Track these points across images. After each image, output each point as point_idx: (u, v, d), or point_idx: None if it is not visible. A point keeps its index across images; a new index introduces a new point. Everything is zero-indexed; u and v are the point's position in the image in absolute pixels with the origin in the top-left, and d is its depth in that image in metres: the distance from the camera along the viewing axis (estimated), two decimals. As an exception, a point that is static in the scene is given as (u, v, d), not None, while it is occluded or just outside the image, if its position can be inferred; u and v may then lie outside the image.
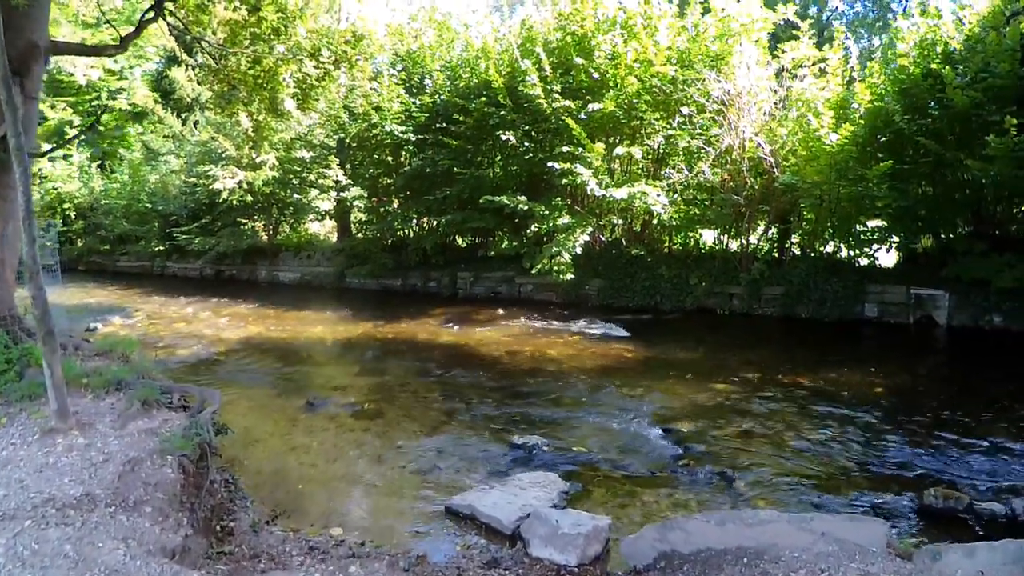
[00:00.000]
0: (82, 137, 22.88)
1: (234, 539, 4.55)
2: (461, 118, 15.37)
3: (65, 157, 28.43)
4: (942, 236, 12.77)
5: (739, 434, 6.76)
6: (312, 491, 5.51)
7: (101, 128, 29.28)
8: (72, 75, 25.00)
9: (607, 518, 4.60)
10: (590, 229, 14.30)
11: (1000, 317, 11.36)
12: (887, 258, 13.87)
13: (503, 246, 17.35)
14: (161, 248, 24.15)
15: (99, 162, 28.77)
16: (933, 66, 11.18)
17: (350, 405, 7.75)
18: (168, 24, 11.52)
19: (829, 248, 13.90)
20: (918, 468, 5.87)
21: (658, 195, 13.21)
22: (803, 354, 10.52)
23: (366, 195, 17.89)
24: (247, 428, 6.90)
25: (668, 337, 11.71)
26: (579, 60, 13.89)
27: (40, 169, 27.99)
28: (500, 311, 14.28)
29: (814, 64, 13.24)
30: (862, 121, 12.15)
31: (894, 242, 13.53)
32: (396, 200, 18.74)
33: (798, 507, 5.15)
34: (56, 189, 27.63)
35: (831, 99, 12.67)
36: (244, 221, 21.81)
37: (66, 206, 27.87)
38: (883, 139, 12.19)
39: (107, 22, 11.89)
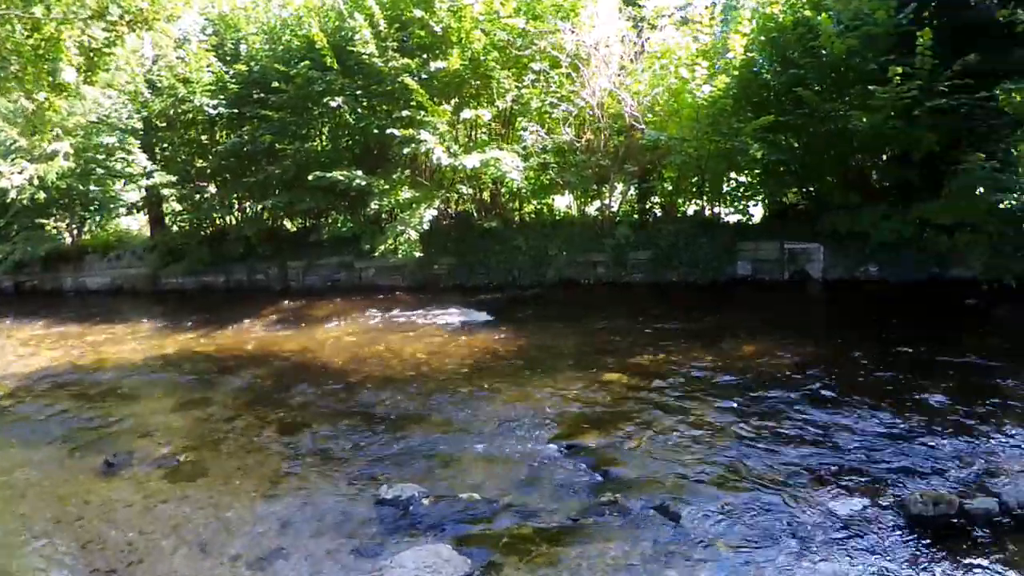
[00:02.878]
0: None
1: None
2: (282, 86, 13.35)
3: None
4: (812, 190, 12.46)
5: (658, 441, 5.63)
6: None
7: None
8: None
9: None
10: (437, 203, 12.82)
11: (876, 267, 11.13)
12: (757, 215, 13.50)
13: (339, 228, 15.47)
14: (-50, 261, 20.04)
15: None
16: (807, 13, 10.63)
17: (162, 460, 5.96)
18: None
19: (694, 207, 13.22)
20: (878, 461, 5.04)
21: (512, 160, 11.90)
22: (687, 325, 9.77)
23: (176, 180, 15.35)
24: (25, 517, 5.06)
25: (535, 317, 10.67)
26: (418, 13, 12.30)
27: None
28: (341, 302, 12.70)
29: (674, 14, 12.50)
30: (736, 72, 11.55)
31: (763, 197, 13.16)
32: (212, 184, 16.34)
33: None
34: None
35: (697, 50, 11.99)
36: (44, 222, 18.40)
37: None
38: (752, 91, 11.65)
39: None
